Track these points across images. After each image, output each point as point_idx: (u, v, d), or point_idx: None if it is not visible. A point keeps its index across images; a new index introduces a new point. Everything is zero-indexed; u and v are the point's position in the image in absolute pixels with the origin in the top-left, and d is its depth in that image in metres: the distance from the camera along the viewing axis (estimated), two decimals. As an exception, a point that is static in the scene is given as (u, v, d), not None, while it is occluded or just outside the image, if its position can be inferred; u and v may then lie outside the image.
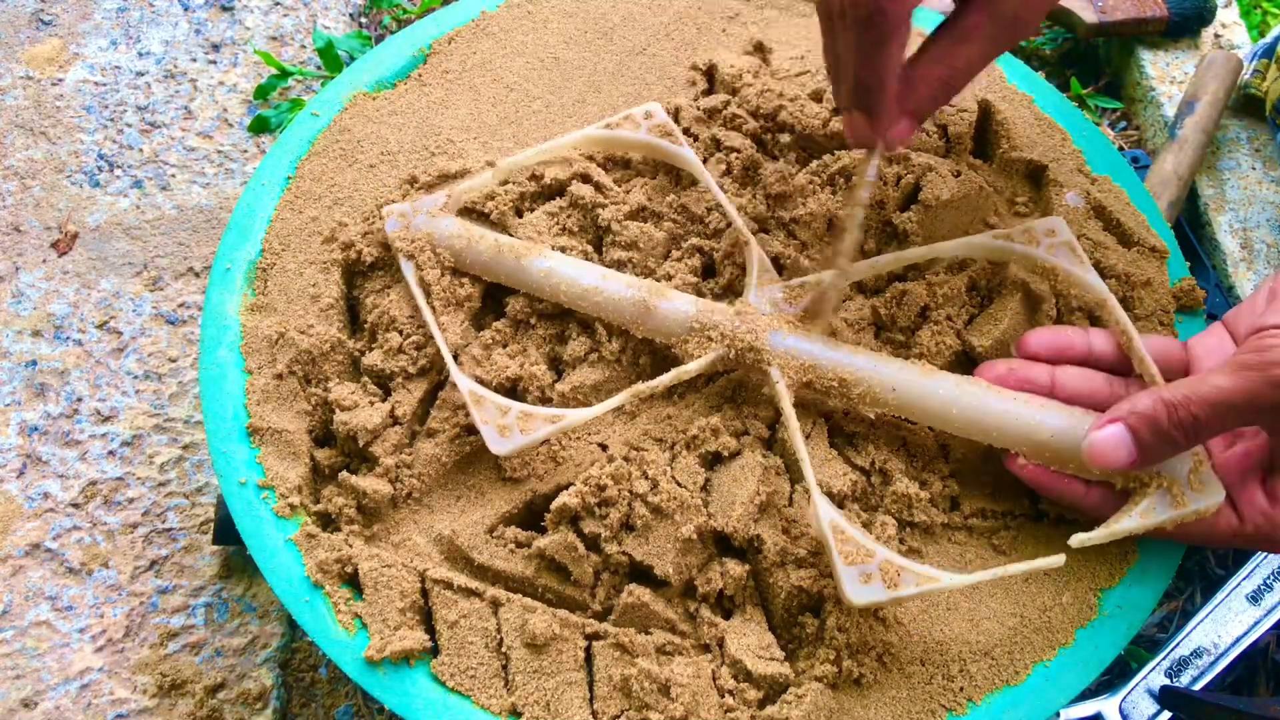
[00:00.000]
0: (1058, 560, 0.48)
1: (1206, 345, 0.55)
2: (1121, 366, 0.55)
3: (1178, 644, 0.64)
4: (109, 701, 0.62)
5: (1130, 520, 0.50)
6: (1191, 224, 0.84)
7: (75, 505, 0.68)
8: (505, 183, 0.61)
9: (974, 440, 0.54)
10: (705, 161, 0.62)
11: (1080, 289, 0.56)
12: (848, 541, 0.48)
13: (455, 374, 0.54)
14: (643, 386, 0.53)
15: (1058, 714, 0.63)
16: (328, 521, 0.54)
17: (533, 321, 0.58)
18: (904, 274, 0.61)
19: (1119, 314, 0.55)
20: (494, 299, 0.60)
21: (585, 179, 0.61)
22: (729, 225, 0.59)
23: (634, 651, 0.50)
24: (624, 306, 0.55)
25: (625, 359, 0.57)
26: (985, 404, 0.52)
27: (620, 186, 0.61)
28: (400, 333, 0.57)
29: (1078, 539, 0.50)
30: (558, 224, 0.60)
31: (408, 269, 0.57)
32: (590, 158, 0.62)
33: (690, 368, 0.54)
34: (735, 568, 0.52)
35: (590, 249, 0.59)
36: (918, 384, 0.53)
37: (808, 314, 0.55)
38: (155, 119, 0.84)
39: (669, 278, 0.57)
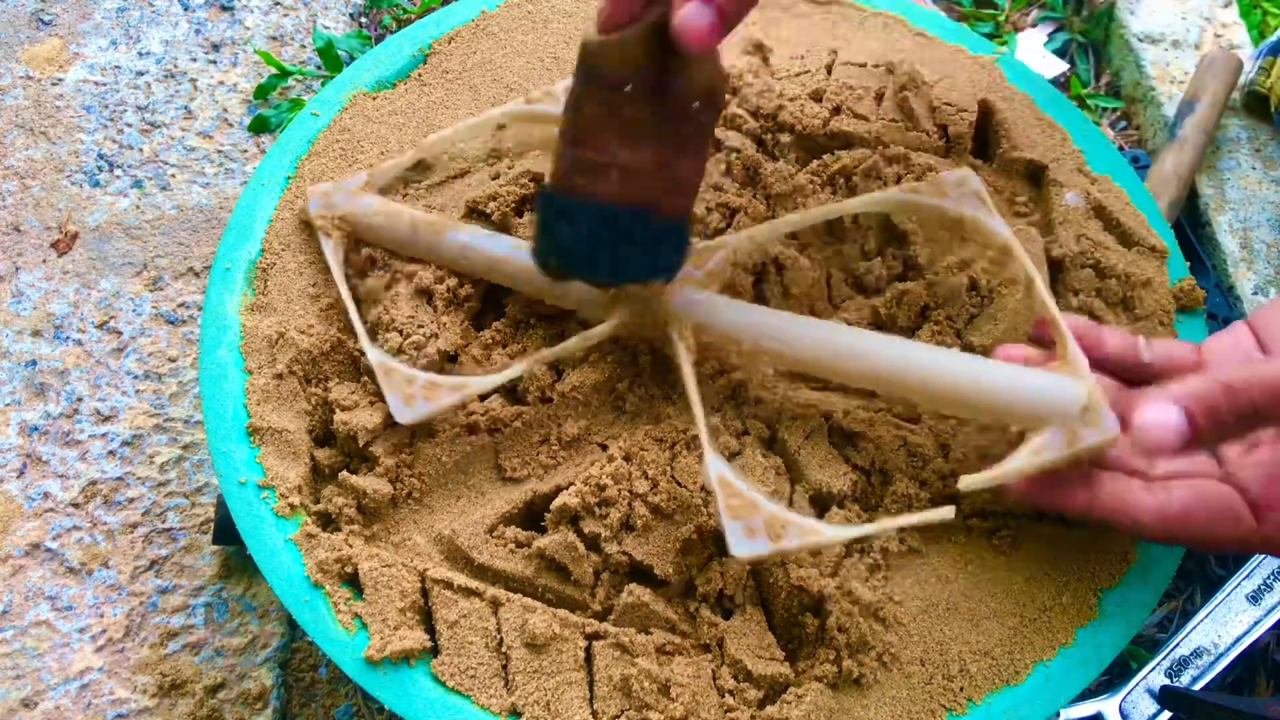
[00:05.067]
0: (948, 512, 0.47)
1: (1222, 347, 0.53)
2: (1134, 370, 0.53)
3: (1178, 644, 0.64)
4: (109, 701, 0.62)
5: (1019, 459, 0.48)
6: (1191, 224, 0.84)
7: (75, 505, 0.68)
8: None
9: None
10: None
11: (984, 236, 0.55)
12: (734, 495, 0.48)
13: (367, 346, 0.55)
14: (546, 353, 0.53)
15: (1058, 714, 0.63)
16: (328, 521, 0.54)
17: (532, 322, 0.58)
18: (904, 274, 0.61)
19: (1024, 260, 0.54)
20: (494, 299, 0.60)
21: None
22: (729, 226, 0.59)
23: (634, 651, 0.50)
24: (534, 275, 0.53)
25: (625, 358, 0.57)
26: (896, 355, 0.51)
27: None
28: (400, 333, 0.57)
29: (966, 481, 0.49)
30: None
31: (327, 246, 0.58)
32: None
33: (592, 333, 0.54)
34: (735, 567, 0.52)
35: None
36: (810, 334, 0.52)
37: (710, 275, 0.54)
38: (155, 119, 0.84)
39: (669, 278, 0.57)
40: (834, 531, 0.47)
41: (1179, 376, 0.47)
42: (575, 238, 0.47)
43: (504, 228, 0.60)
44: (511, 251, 0.56)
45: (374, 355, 0.54)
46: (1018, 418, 0.50)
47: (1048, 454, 0.48)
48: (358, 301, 0.58)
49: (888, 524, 0.48)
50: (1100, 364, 0.53)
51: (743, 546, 0.47)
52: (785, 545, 0.47)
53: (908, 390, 0.51)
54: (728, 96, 0.65)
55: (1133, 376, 0.53)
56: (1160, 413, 0.44)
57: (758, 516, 0.47)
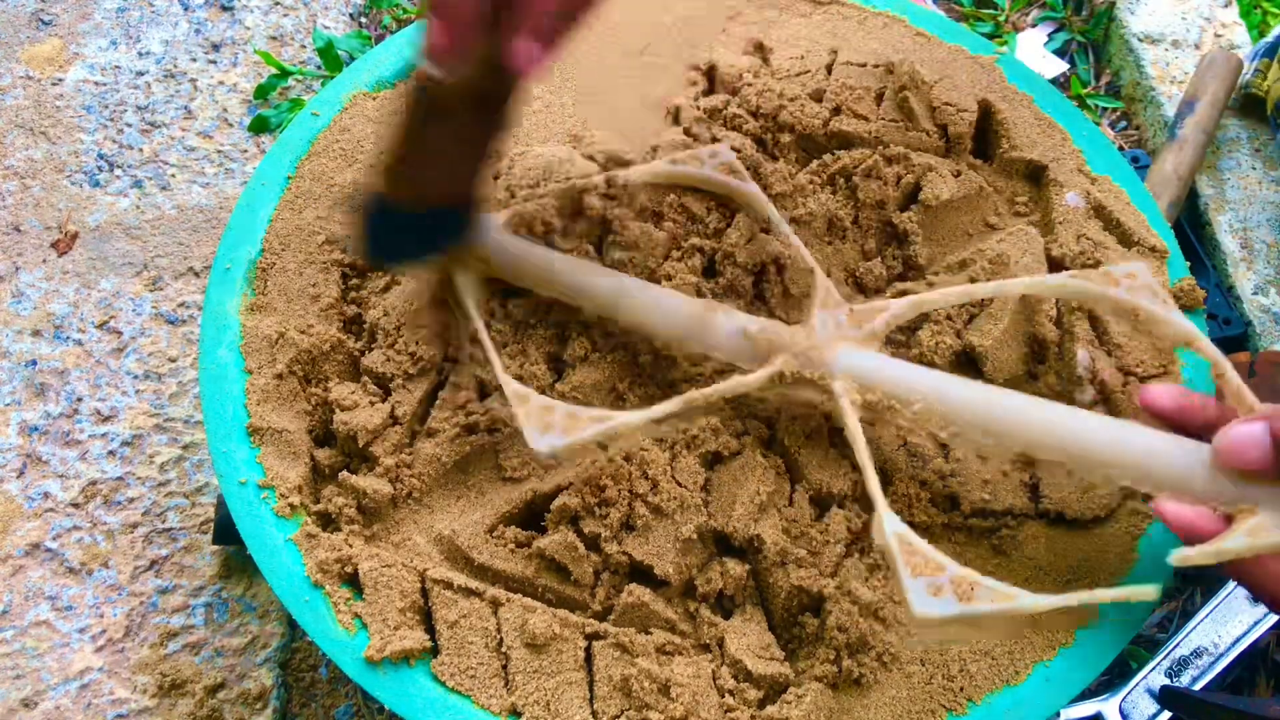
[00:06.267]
0: (1151, 591, 0.45)
1: None
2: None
3: (1178, 644, 0.64)
4: (109, 701, 0.62)
5: (1237, 540, 0.44)
6: (1191, 224, 0.84)
7: (75, 505, 0.68)
8: (545, 199, 0.60)
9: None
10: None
11: (1163, 327, 0.52)
12: (915, 553, 0.46)
13: (503, 377, 0.53)
14: (696, 394, 0.51)
15: (1058, 714, 0.63)
16: (328, 521, 0.54)
17: (532, 322, 0.58)
18: (904, 274, 0.61)
19: (1210, 349, 0.51)
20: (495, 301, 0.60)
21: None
22: (729, 225, 0.59)
23: (634, 651, 0.50)
24: (681, 322, 0.54)
25: (625, 358, 0.57)
26: (1080, 427, 0.48)
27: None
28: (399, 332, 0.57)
29: (1179, 556, 0.45)
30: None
31: (465, 282, 0.56)
32: (591, 157, 0.62)
33: (748, 380, 0.52)
34: (735, 568, 0.52)
35: (591, 249, 0.59)
36: (988, 403, 0.50)
37: (870, 336, 0.53)
38: (155, 119, 0.84)
39: (669, 278, 0.57)
40: (1030, 600, 0.45)
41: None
42: (400, 237, 0.54)
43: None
44: (655, 298, 0.55)
45: (510, 385, 0.52)
46: (1217, 499, 0.47)
47: (1266, 536, 0.44)
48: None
49: (1084, 596, 0.45)
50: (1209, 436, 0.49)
51: (928, 605, 0.45)
52: (976, 608, 0.44)
53: (1095, 466, 0.48)
54: (728, 96, 0.65)
55: None
56: (1246, 428, 0.44)
57: (943, 575, 0.45)
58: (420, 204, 0.52)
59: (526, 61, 0.43)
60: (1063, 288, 0.53)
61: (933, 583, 0.45)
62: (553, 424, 0.50)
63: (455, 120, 0.48)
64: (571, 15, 0.44)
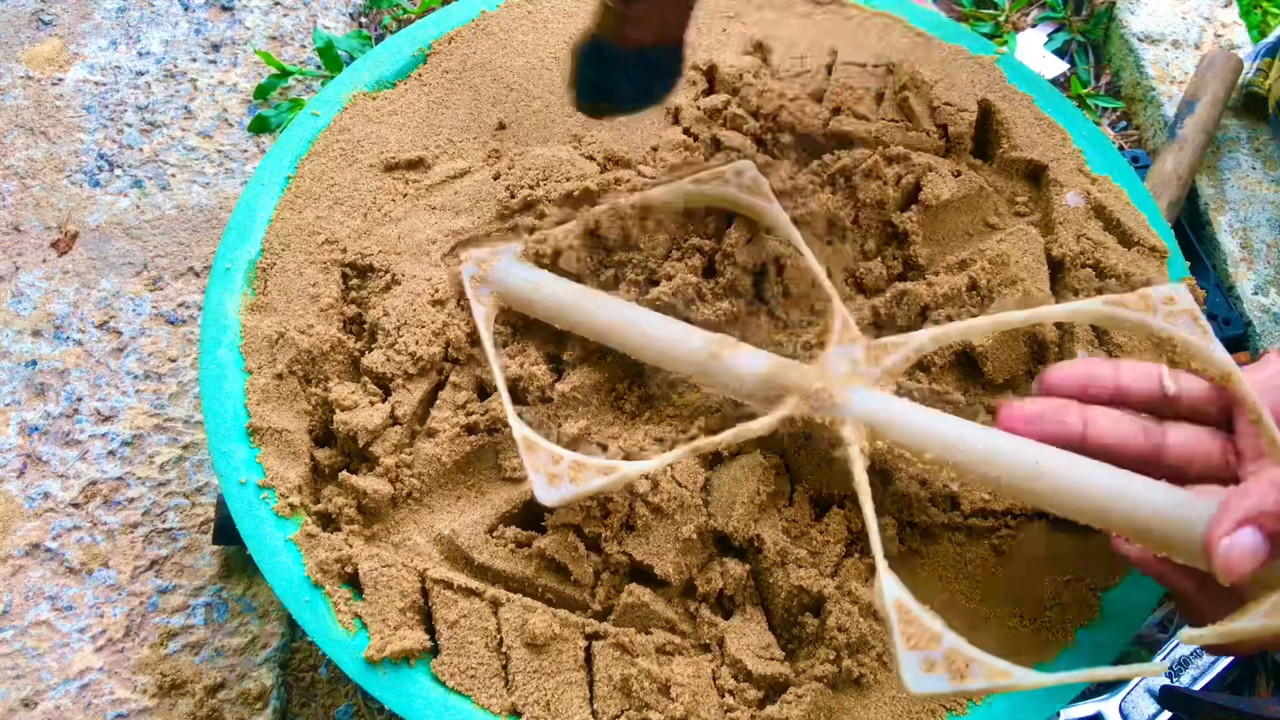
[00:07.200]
0: (1157, 668, 0.44)
1: (1263, 379, 0.48)
2: (1153, 405, 0.49)
3: (1178, 644, 0.64)
4: (109, 701, 0.62)
5: (1252, 621, 0.42)
6: (1191, 224, 0.84)
7: (75, 505, 0.68)
8: (577, 235, 0.59)
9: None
10: (705, 161, 0.62)
11: (1201, 361, 0.49)
12: (912, 623, 0.44)
13: (513, 420, 0.52)
14: (703, 443, 0.50)
15: (1058, 714, 0.63)
16: (328, 521, 0.54)
17: (532, 323, 0.58)
18: (904, 274, 0.61)
19: (1246, 389, 0.48)
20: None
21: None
22: (729, 226, 0.59)
23: (634, 651, 0.50)
24: (692, 359, 0.53)
25: (625, 358, 0.57)
26: (1089, 480, 0.46)
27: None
28: (398, 333, 0.57)
29: (1189, 635, 0.43)
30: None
31: (479, 313, 0.56)
32: (590, 157, 0.62)
33: (755, 425, 0.50)
34: (735, 567, 0.52)
35: (604, 250, 0.59)
36: (1002, 453, 0.47)
37: (888, 374, 0.51)
38: (155, 119, 0.84)
39: (669, 278, 0.57)
40: (1024, 675, 0.43)
41: (1247, 479, 0.45)
42: (614, 82, 0.54)
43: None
44: (667, 331, 0.54)
45: (519, 429, 0.52)
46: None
47: None
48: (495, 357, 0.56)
49: (1086, 674, 0.44)
50: (1122, 400, 0.49)
51: (919, 681, 0.43)
52: (969, 685, 0.42)
53: (1112, 525, 0.46)
54: (728, 96, 0.65)
55: (1159, 411, 0.49)
56: (1241, 540, 0.42)
57: (938, 649, 0.43)
58: (636, 44, 0.52)
59: None
60: (1098, 315, 0.51)
61: (927, 657, 0.43)
62: (560, 475, 0.50)
63: None
64: None
